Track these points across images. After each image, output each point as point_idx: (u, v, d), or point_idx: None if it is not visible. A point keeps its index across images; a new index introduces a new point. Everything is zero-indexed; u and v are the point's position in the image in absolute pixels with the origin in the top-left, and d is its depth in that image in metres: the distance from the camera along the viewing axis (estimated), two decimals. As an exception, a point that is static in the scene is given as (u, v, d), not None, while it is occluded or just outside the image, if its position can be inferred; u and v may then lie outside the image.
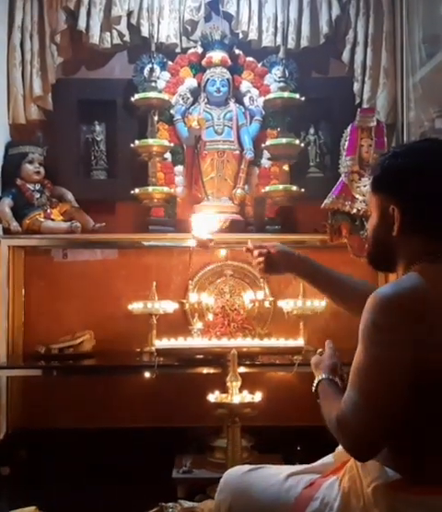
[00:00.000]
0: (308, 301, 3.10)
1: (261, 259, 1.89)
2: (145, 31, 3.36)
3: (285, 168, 3.29)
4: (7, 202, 3.16)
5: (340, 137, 3.29)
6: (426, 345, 1.30)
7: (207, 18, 3.48)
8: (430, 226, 1.42)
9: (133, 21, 3.38)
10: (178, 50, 3.45)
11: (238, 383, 2.56)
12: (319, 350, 1.74)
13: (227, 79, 3.35)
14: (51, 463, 3.08)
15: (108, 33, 3.37)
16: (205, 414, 2.69)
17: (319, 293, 1.88)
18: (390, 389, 1.30)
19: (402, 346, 1.30)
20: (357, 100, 3.39)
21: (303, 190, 3.24)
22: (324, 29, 3.36)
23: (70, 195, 3.32)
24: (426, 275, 1.35)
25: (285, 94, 3.27)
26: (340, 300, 1.85)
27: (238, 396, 2.55)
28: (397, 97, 3.31)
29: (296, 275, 1.90)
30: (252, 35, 3.40)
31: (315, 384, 1.61)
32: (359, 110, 3.28)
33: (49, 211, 3.21)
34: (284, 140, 3.27)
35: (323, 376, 1.59)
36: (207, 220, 2.28)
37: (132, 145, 3.26)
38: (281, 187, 3.25)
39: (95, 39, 3.33)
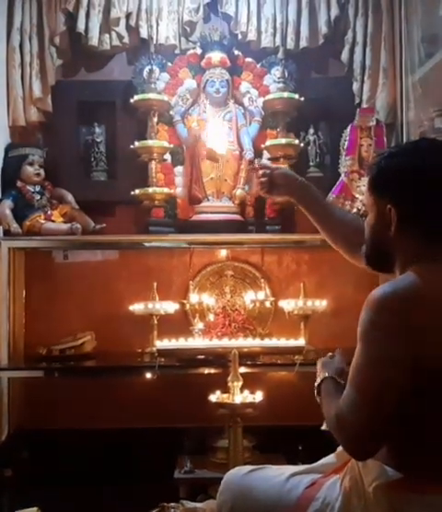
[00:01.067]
0: (308, 301, 3.10)
1: (264, 179, 1.92)
2: (144, 33, 3.36)
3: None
4: (8, 204, 3.16)
5: (339, 137, 3.30)
6: (423, 344, 1.30)
7: (206, 19, 3.48)
8: (427, 225, 1.42)
9: (132, 23, 3.38)
10: (177, 51, 3.44)
11: (240, 383, 2.56)
12: (330, 354, 1.75)
13: (227, 80, 3.35)
14: (53, 464, 3.08)
15: (107, 35, 3.37)
16: (207, 415, 2.69)
17: (314, 224, 1.90)
18: (388, 387, 1.31)
19: (399, 345, 1.31)
20: (357, 100, 3.39)
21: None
22: (323, 29, 3.36)
23: (70, 197, 3.31)
24: (423, 275, 1.36)
25: (285, 94, 3.27)
26: (329, 232, 1.87)
27: (240, 396, 2.56)
28: (396, 96, 3.31)
29: (294, 200, 1.92)
30: (251, 36, 3.40)
31: (318, 381, 1.61)
32: (358, 109, 3.28)
33: (49, 212, 3.21)
34: (283, 140, 3.28)
35: (328, 374, 1.60)
36: (221, 135, 2.30)
37: (132, 147, 3.26)
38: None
39: (94, 40, 3.33)
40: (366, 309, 1.36)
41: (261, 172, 1.94)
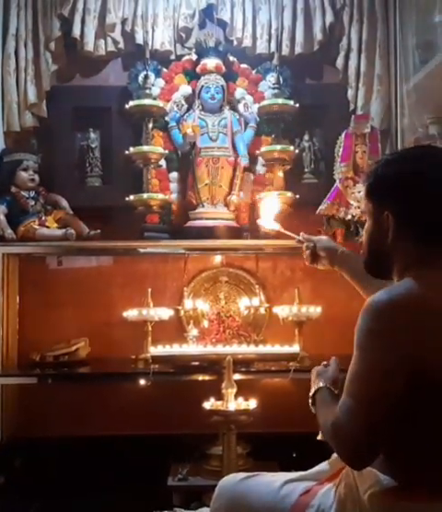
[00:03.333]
0: (303, 307, 3.09)
1: (307, 251, 1.99)
2: (139, 38, 3.36)
3: (280, 174, 3.30)
4: (2, 209, 3.14)
5: (334, 144, 3.30)
6: (420, 351, 1.30)
7: (201, 26, 3.49)
8: (424, 231, 1.42)
9: (128, 28, 3.38)
10: (172, 57, 3.45)
11: (234, 390, 2.56)
12: (325, 362, 1.74)
13: (222, 86, 3.36)
14: (46, 472, 3.06)
15: (102, 40, 3.37)
16: (201, 422, 2.68)
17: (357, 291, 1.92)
18: (385, 394, 1.30)
19: (397, 352, 1.30)
20: (351, 107, 3.39)
21: (297, 196, 3.24)
22: (318, 35, 3.37)
23: (65, 202, 3.30)
24: (421, 281, 1.36)
25: (280, 100, 3.27)
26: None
27: (234, 403, 2.55)
28: (391, 103, 3.32)
29: (336, 269, 1.96)
30: (247, 42, 3.41)
31: (313, 391, 1.60)
32: (353, 116, 3.28)
33: (43, 218, 3.20)
34: (278, 146, 3.28)
35: (323, 384, 1.59)
36: (272, 207, 2.31)
37: (126, 152, 3.25)
38: (276, 193, 3.25)
39: (89, 46, 3.33)
40: (362, 316, 1.35)
41: (304, 245, 2.00)
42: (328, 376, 1.64)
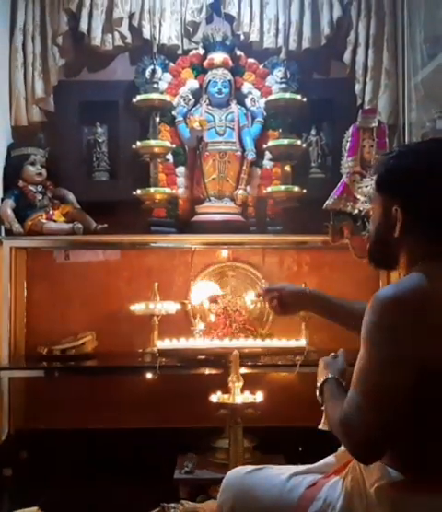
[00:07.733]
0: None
1: (274, 302, 1.90)
2: (146, 33, 3.36)
3: (287, 168, 3.29)
4: (10, 203, 3.17)
5: (341, 138, 3.29)
6: (428, 345, 1.30)
7: (209, 20, 3.49)
8: (433, 226, 1.42)
9: (135, 23, 3.38)
10: (179, 51, 3.45)
11: (240, 384, 2.56)
12: (333, 354, 1.74)
13: (229, 80, 3.35)
14: (52, 464, 3.08)
15: (109, 35, 3.37)
16: (207, 415, 2.69)
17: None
18: (393, 390, 1.30)
19: (404, 346, 1.30)
20: (359, 101, 3.38)
21: (305, 190, 3.24)
22: (325, 30, 3.36)
23: (72, 196, 3.32)
24: (427, 275, 1.35)
25: (287, 95, 3.27)
26: (352, 329, 1.79)
27: (240, 396, 2.56)
28: (398, 98, 3.31)
29: (311, 312, 1.94)
30: (254, 36, 3.40)
31: (321, 381, 1.60)
32: (361, 110, 3.27)
33: (51, 212, 3.21)
34: (285, 141, 3.27)
35: (331, 375, 1.59)
36: None
37: (133, 147, 3.25)
38: (283, 188, 3.24)
39: (97, 40, 3.34)
40: (369, 312, 1.35)
41: (268, 298, 1.92)
42: (337, 367, 1.63)
